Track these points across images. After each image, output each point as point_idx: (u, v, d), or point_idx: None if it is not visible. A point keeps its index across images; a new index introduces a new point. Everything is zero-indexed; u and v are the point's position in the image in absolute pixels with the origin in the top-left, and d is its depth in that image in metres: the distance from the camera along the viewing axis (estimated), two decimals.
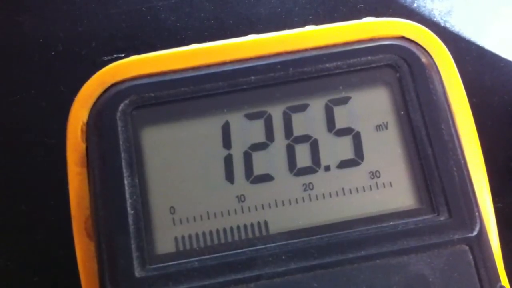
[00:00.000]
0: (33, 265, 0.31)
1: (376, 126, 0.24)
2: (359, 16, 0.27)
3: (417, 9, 0.37)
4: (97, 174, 0.23)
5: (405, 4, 0.37)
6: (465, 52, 0.36)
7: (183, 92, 0.24)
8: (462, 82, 0.25)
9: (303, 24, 0.27)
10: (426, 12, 0.36)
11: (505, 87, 0.35)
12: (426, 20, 0.36)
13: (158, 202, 0.23)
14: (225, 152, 0.24)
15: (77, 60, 0.35)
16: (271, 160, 0.24)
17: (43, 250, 0.32)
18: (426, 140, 0.24)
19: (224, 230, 0.23)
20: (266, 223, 0.23)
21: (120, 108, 0.24)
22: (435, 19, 0.36)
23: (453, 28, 0.36)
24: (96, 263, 0.23)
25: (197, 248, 0.23)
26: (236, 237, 0.23)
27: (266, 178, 0.24)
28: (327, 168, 0.24)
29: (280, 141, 0.24)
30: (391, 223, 0.23)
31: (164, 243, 0.23)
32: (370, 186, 0.24)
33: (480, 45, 0.36)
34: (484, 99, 0.35)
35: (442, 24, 0.36)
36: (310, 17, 0.36)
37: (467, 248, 0.23)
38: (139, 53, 0.26)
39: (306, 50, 0.25)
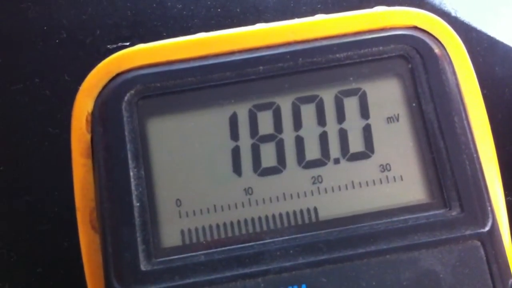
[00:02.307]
0: (37, 256, 0.31)
1: (387, 118, 0.24)
2: (368, 5, 0.27)
3: None
4: (102, 165, 0.23)
5: None
6: (476, 43, 0.35)
7: (190, 82, 0.24)
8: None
9: (311, 13, 0.27)
10: (437, 2, 0.36)
11: None
12: (436, 10, 0.35)
13: (164, 194, 0.23)
14: (232, 144, 0.24)
15: (82, 48, 0.34)
16: (280, 152, 0.24)
17: (47, 241, 0.31)
18: (438, 133, 0.23)
19: (231, 223, 0.23)
20: (274, 216, 0.23)
21: (126, 98, 0.23)
22: (445, 9, 0.36)
23: (464, 18, 0.36)
24: (101, 255, 0.23)
25: (204, 242, 0.23)
26: (244, 231, 0.23)
27: (275, 170, 0.23)
28: (337, 161, 0.24)
29: (288, 133, 0.24)
30: (401, 217, 0.23)
31: (170, 236, 0.23)
32: (381, 179, 0.23)
33: (492, 36, 0.35)
34: (495, 91, 0.34)
35: (453, 14, 0.36)
36: (319, 5, 0.35)
37: (479, 243, 0.22)
38: (144, 41, 0.25)
39: (316, 39, 0.24)
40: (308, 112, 0.24)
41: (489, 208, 0.23)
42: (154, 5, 0.35)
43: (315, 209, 0.23)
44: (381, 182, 0.23)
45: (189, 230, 0.23)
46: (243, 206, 0.23)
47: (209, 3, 0.35)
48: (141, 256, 0.22)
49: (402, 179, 0.23)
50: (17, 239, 0.32)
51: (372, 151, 0.24)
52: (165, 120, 0.24)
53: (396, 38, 0.24)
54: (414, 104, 0.24)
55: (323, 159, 0.24)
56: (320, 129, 0.24)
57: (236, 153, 0.24)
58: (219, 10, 0.35)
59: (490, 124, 0.25)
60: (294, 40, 0.25)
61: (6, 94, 0.34)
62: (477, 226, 0.22)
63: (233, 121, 0.24)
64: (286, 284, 0.22)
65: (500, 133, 0.27)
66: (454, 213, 0.23)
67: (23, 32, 0.35)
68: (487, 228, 0.22)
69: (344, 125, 0.24)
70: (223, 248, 0.22)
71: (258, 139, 0.24)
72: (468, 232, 0.22)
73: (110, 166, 0.23)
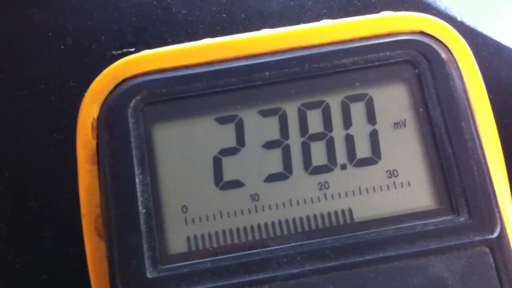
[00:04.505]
0: (42, 262, 0.31)
1: (394, 123, 0.24)
2: (373, 10, 0.26)
3: (433, 3, 0.36)
4: (107, 171, 0.23)
5: None
6: (482, 47, 0.35)
7: (195, 88, 0.24)
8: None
9: (316, 18, 0.27)
10: (443, 6, 0.36)
11: None
12: (442, 15, 0.35)
13: (170, 200, 0.23)
14: (238, 150, 0.24)
15: (87, 54, 0.34)
16: (286, 158, 0.24)
17: (52, 248, 0.31)
18: (446, 139, 0.23)
19: (238, 230, 0.23)
20: (280, 223, 0.23)
21: (131, 104, 0.23)
22: (451, 14, 0.36)
23: (470, 23, 0.36)
24: (106, 262, 0.22)
25: (210, 248, 0.23)
26: (250, 237, 0.23)
27: (281, 176, 0.23)
28: (343, 167, 0.23)
29: (295, 139, 0.24)
30: (409, 223, 0.23)
31: (176, 243, 0.23)
32: (388, 185, 0.23)
33: (498, 41, 0.35)
34: (502, 96, 0.34)
35: (459, 19, 0.36)
36: (324, 10, 0.35)
37: (487, 250, 0.22)
38: (149, 47, 0.25)
39: (322, 45, 0.24)
40: (314, 117, 0.24)
41: (497, 214, 0.22)
42: (159, 11, 0.35)
43: (322, 215, 0.23)
44: (388, 188, 0.23)
45: (195, 237, 0.23)
46: (249, 212, 0.23)
47: (214, 8, 0.35)
48: (147, 263, 0.22)
49: (409, 185, 0.23)
50: (22, 245, 0.32)
51: (379, 157, 0.24)
52: (170, 126, 0.24)
53: (403, 43, 0.24)
54: (421, 110, 0.24)
55: (329, 165, 0.24)
56: (326, 135, 0.24)
57: (242, 159, 0.23)
58: (224, 15, 0.35)
59: (497, 129, 0.24)
60: (299, 45, 0.24)
61: (12, 100, 0.34)
62: (486, 232, 0.22)
63: (239, 127, 0.24)
64: None
65: (508, 138, 0.27)
66: (462, 219, 0.22)
67: (29, 38, 0.35)
68: (495, 234, 0.22)
69: (351, 131, 0.24)
70: (230, 255, 0.22)
71: (264, 145, 0.24)
72: (476, 239, 0.22)
73: (115, 173, 0.23)
